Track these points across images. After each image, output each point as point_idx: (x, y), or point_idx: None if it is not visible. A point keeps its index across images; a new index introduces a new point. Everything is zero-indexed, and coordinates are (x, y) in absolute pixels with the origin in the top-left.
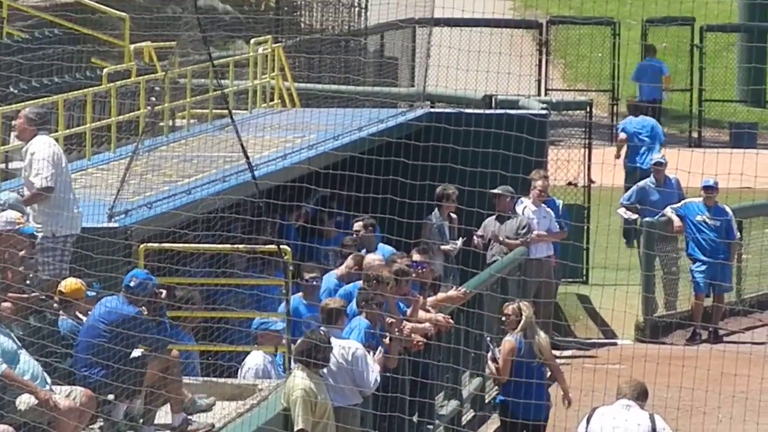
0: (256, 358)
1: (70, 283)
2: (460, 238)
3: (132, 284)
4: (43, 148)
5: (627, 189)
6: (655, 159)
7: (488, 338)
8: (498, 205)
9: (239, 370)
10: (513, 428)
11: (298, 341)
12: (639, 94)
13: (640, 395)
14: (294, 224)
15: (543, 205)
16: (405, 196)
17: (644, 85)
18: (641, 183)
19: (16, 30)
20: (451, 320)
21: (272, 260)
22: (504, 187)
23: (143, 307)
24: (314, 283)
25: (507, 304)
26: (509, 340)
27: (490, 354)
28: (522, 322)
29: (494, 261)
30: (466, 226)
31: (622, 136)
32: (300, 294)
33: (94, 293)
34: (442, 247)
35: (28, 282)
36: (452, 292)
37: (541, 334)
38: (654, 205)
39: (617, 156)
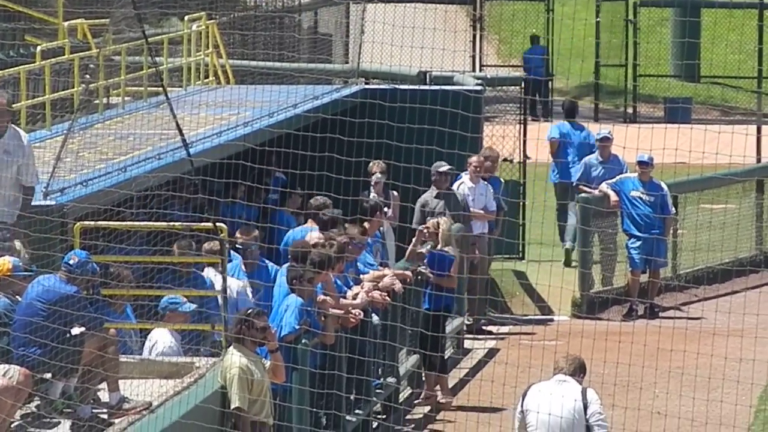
0: (163, 336)
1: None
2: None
3: (72, 262)
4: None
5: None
6: (602, 134)
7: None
8: (439, 182)
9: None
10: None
11: (234, 319)
12: None
13: (577, 370)
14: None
15: (482, 181)
16: (340, 173)
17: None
18: (586, 159)
19: None
20: (387, 297)
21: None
22: (441, 163)
23: (82, 286)
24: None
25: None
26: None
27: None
28: (439, 236)
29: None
30: (401, 203)
31: None
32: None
33: (32, 272)
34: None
35: None
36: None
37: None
38: (597, 181)
39: None
